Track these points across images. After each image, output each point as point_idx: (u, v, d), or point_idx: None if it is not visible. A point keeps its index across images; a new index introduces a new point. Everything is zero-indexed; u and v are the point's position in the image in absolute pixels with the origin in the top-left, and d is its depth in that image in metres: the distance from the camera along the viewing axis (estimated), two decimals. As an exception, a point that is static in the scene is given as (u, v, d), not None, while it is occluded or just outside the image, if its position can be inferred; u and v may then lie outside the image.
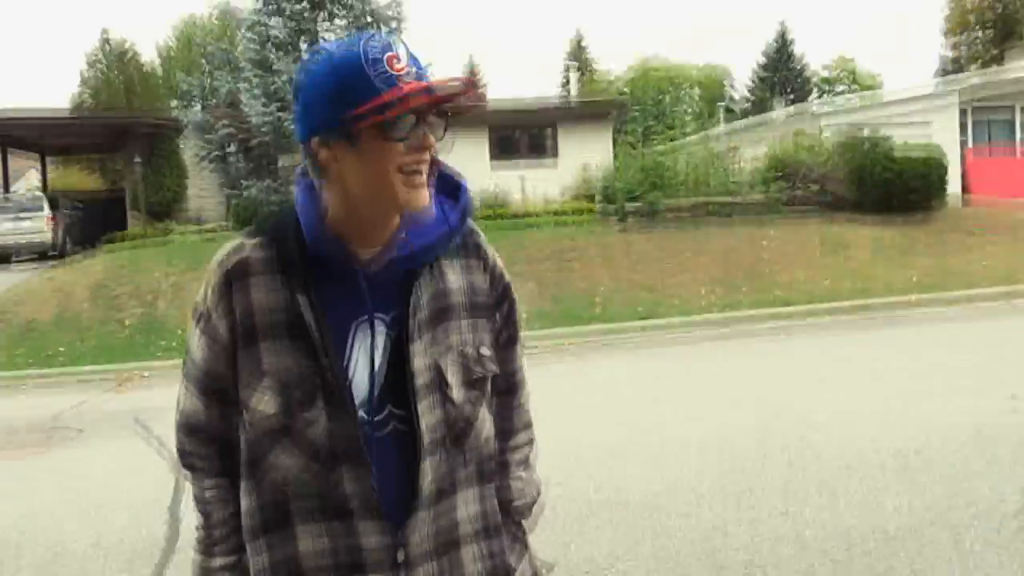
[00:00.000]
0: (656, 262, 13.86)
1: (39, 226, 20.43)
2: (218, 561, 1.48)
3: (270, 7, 16.04)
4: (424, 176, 1.34)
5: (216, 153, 16.12)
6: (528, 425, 1.64)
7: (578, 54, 60.37)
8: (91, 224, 22.31)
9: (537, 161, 22.48)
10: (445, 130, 1.36)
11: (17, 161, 29.07)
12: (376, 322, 1.38)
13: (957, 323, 10.09)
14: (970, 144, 23.49)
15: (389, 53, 1.29)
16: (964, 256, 14.00)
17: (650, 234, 15.03)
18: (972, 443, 5.13)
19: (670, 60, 59.04)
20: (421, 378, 1.37)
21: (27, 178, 34.13)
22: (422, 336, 1.39)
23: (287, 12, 15.90)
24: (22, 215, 20.47)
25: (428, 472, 1.37)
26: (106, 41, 32.87)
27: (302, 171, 1.42)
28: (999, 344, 8.38)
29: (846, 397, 6.52)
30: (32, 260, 20.58)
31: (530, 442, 1.64)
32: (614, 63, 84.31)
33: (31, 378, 10.05)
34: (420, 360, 1.38)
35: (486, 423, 1.49)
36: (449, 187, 1.47)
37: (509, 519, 1.55)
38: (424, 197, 1.34)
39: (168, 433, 6.84)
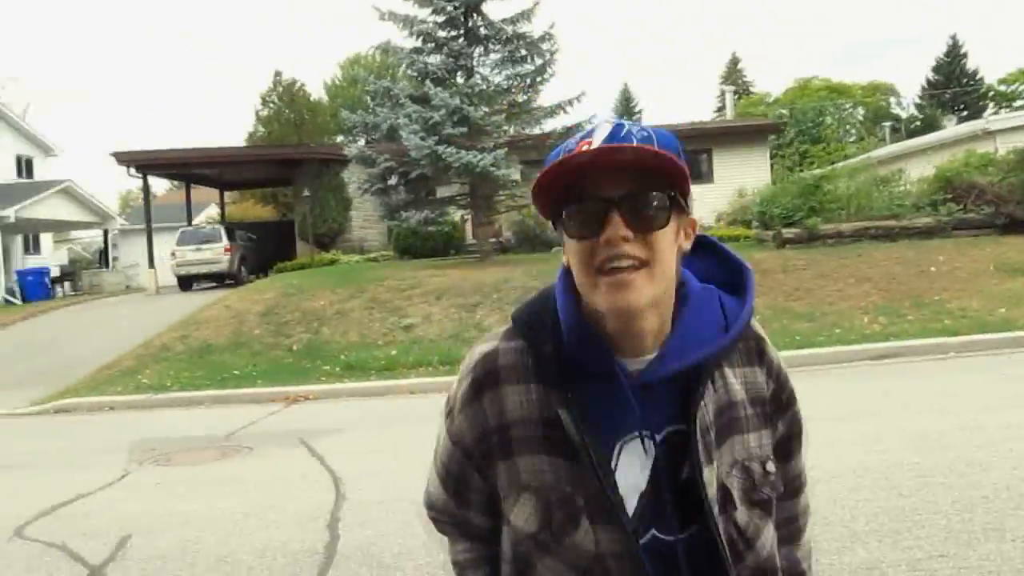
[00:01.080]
0: (815, 289, 13.43)
1: (218, 254, 21.99)
2: None
3: (428, 45, 16.68)
4: (628, 278, 1.17)
5: (378, 185, 16.83)
6: (801, 531, 1.50)
7: (734, 76, 59.42)
8: (263, 252, 23.81)
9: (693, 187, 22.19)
10: (658, 209, 1.19)
11: (199, 194, 31.30)
12: (646, 440, 1.24)
13: None
14: None
15: (584, 137, 1.21)
16: None
17: (808, 259, 14.58)
18: None
19: (831, 80, 57.09)
20: (715, 503, 1.25)
21: (207, 210, 36.70)
22: (709, 460, 1.25)
23: (444, 49, 16.50)
24: (203, 245, 22.11)
25: None
26: (279, 82, 34.97)
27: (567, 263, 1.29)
28: None
29: (1017, 425, 6.11)
30: (211, 286, 22.17)
31: (809, 545, 1.52)
32: (772, 84, 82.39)
33: (208, 397, 10.78)
34: (713, 483, 1.25)
35: (767, 543, 1.34)
36: (731, 278, 1.34)
37: None
38: (625, 299, 1.18)
39: (329, 450, 7.25)
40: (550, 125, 17.40)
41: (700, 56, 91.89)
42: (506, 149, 15.71)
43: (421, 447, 6.72)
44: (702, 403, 1.24)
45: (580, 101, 17.25)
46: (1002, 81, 54.80)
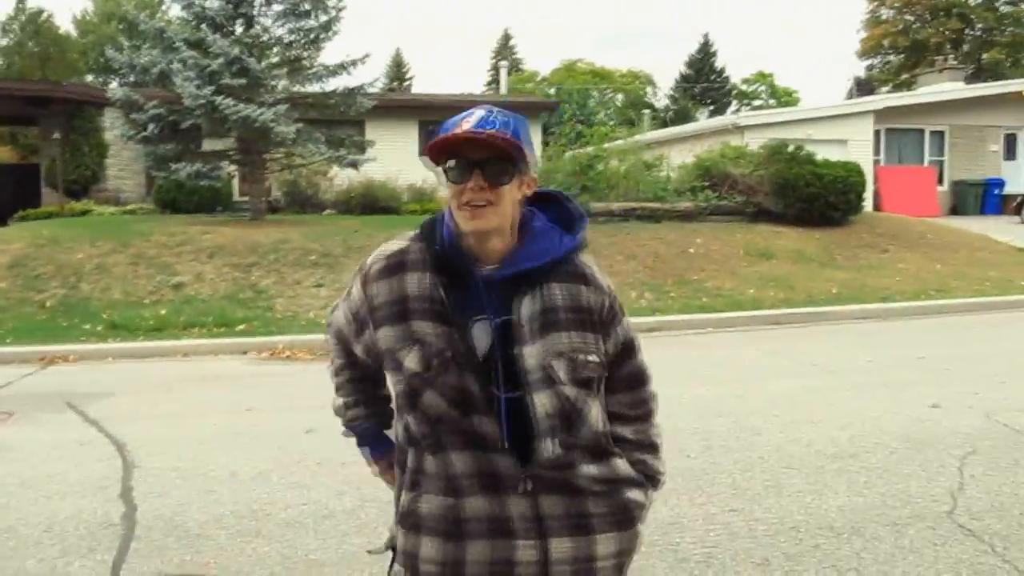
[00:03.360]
0: (587, 263, 14.08)
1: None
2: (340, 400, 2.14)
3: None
4: (481, 210, 1.76)
5: (144, 133, 15.62)
6: (649, 414, 1.98)
7: (506, 52, 60.57)
8: (2, 198, 21.49)
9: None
10: (503, 176, 1.78)
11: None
12: (489, 322, 1.79)
13: (873, 332, 10.58)
14: (882, 162, 24.55)
15: (464, 118, 1.79)
16: (879, 270, 14.66)
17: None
18: (901, 444, 5.45)
19: (595, 64, 59.75)
20: (533, 375, 1.78)
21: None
22: (533, 342, 1.79)
23: (223, -8, 15.55)
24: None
25: (543, 452, 1.80)
26: (21, 9, 31.52)
27: None
28: (914, 347, 8.84)
29: (777, 394, 6.80)
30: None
31: (652, 427, 1.97)
32: (539, 63, 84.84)
33: (-54, 357, 9.65)
34: (532, 360, 1.78)
35: (595, 414, 1.86)
36: (569, 221, 1.90)
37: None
38: (477, 224, 1.77)
39: (104, 416, 6.74)
40: (332, 84, 16.93)
41: (471, 28, 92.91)
42: (287, 106, 15.13)
43: (206, 411, 6.49)
44: (523, 299, 1.79)
45: (364, 63, 16.92)
46: (745, 81, 59.84)
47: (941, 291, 13.30)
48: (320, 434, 6.07)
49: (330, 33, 16.57)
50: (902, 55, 48.45)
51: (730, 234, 15.80)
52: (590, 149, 18.01)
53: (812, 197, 16.32)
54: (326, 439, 5.91)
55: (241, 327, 11.06)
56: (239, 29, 16.12)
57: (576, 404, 1.79)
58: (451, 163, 1.77)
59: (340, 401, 2.13)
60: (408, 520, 1.86)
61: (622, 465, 1.88)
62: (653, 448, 1.96)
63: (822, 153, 17.82)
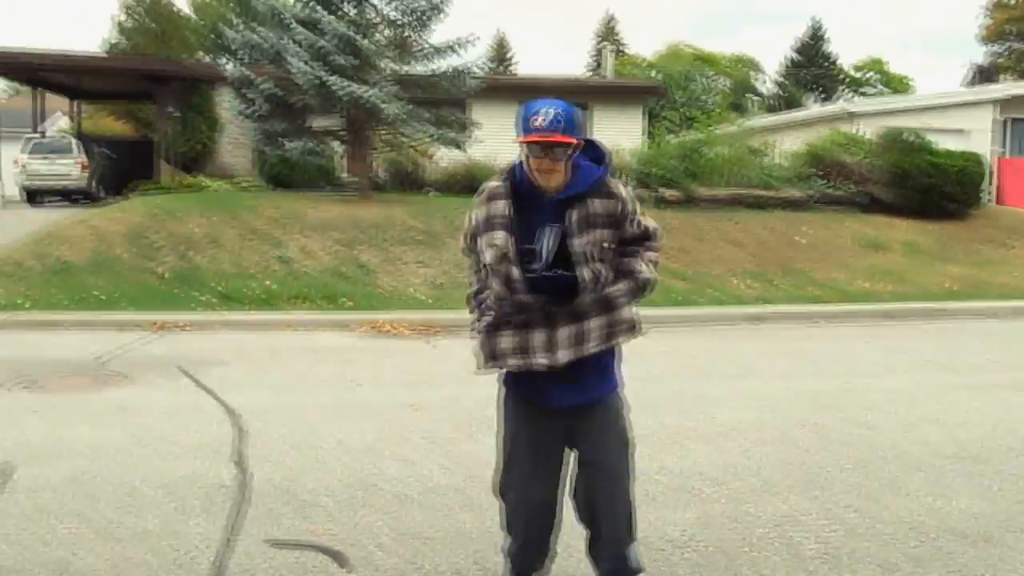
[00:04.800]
0: (691, 250, 13.83)
1: (71, 169, 20.49)
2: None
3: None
4: (550, 172, 2.85)
5: (254, 110, 16.00)
6: (656, 246, 3.09)
7: (608, 35, 59.90)
8: (121, 170, 22.33)
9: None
10: (567, 152, 2.85)
11: (46, 103, 28.98)
12: (552, 228, 2.89)
13: (994, 331, 10.06)
14: (1006, 153, 23.33)
15: (539, 114, 2.81)
16: (999, 266, 13.95)
17: (686, 221, 14.99)
18: (1032, 452, 5.14)
19: (701, 49, 58.49)
20: (578, 257, 2.85)
21: (54, 120, 34.09)
22: (578, 237, 2.86)
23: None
24: (54, 156, 20.54)
25: (584, 300, 2.89)
26: (142, -11, 32.67)
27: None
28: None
29: (893, 390, 6.51)
30: (60, 202, 20.68)
31: (655, 255, 3.07)
32: (641, 47, 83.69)
33: (69, 320, 10.09)
34: (578, 248, 2.85)
35: (610, 278, 2.95)
36: (599, 157, 2.98)
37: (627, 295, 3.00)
38: (549, 186, 2.89)
39: (218, 383, 6.93)
40: (438, 64, 16.99)
41: (574, 11, 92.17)
42: (396, 85, 15.26)
43: (313, 383, 6.56)
44: (572, 211, 2.86)
45: (473, 44, 16.93)
46: (856, 67, 57.71)
47: (1069, 290, 12.58)
48: (424, 411, 6.10)
49: (439, 12, 16.60)
50: (1028, 42, 45.95)
51: (840, 224, 15.29)
52: (697, 134, 17.65)
53: (928, 188, 15.66)
54: (430, 416, 5.95)
55: (345, 301, 11.25)
56: (350, 9, 16.31)
57: (601, 274, 2.88)
58: (531, 146, 2.81)
59: (473, 290, 3.13)
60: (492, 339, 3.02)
61: (625, 312, 2.99)
62: (652, 263, 3.05)
63: (939, 143, 17.04)
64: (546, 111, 2.79)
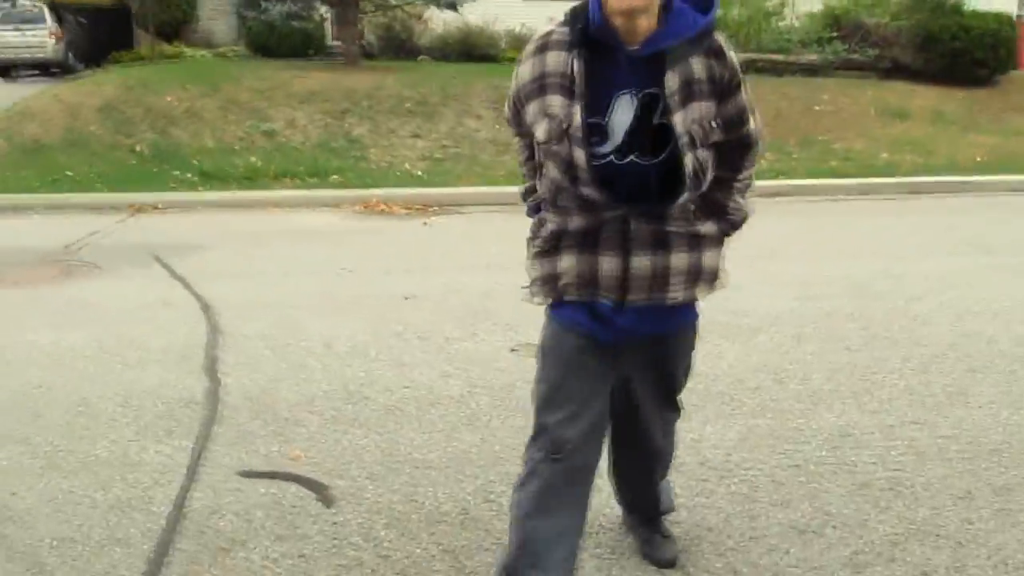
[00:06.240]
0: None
1: (43, 39, 19.32)
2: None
3: None
4: (638, 12, 1.89)
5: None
6: (752, 167, 2.18)
7: None
8: (96, 40, 21.08)
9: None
10: None
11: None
12: (633, 95, 1.97)
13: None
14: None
15: None
16: (1030, 135, 13.15)
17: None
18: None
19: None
20: (682, 139, 1.94)
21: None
22: (678, 110, 1.94)
23: None
24: (24, 26, 19.33)
25: (681, 204, 2.01)
26: None
27: None
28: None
29: (936, 275, 5.90)
30: (32, 75, 19.57)
31: (751, 178, 2.18)
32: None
33: (40, 203, 9.39)
34: (680, 127, 1.94)
35: (711, 175, 2.04)
36: (703, 5, 1.98)
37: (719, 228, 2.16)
38: (631, 33, 1.92)
39: (191, 272, 6.30)
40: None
41: None
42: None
43: (298, 271, 5.85)
44: (669, 73, 1.93)
45: None
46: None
47: (1104, 162, 11.83)
48: (420, 302, 5.51)
49: None
50: None
51: (860, 91, 14.36)
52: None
53: (958, 52, 14.65)
54: (426, 308, 5.37)
55: (334, 178, 10.53)
56: None
57: (704, 165, 1.98)
58: None
59: (524, 187, 2.33)
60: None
61: (714, 258, 2.17)
62: (747, 190, 2.20)
63: (967, 4, 15.85)
64: None
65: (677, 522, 2.84)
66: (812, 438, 3.53)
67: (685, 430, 3.48)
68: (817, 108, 13.54)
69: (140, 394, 3.97)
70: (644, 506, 2.70)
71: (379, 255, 7.12)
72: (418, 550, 2.74)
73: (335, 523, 2.89)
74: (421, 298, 5.60)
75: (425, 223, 8.55)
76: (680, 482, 3.05)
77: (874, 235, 7.87)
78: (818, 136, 12.63)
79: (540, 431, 2.20)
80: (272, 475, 3.22)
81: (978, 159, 11.83)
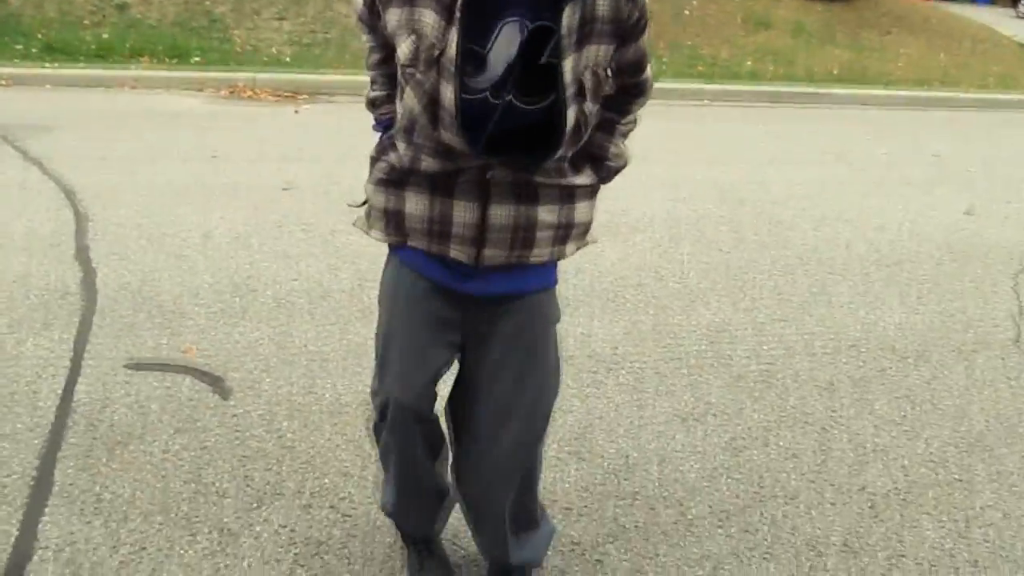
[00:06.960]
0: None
1: None
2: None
3: None
4: None
5: None
6: (639, 110, 1.88)
7: None
8: None
9: None
10: None
11: None
12: (522, 26, 1.59)
13: (879, 119, 9.96)
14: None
15: None
16: (881, 53, 13.83)
17: None
18: (945, 255, 5.00)
19: None
20: (569, 89, 1.61)
21: None
22: (571, 54, 1.60)
23: None
24: None
25: (554, 158, 1.67)
26: None
27: None
28: (926, 141, 8.28)
29: (798, 183, 6.24)
30: None
31: (635, 121, 1.88)
32: None
33: None
34: (569, 75, 1.61)
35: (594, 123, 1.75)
36: None
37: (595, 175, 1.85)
38: None
39: (50, 155, 5.90)
40: None
41: None
42: None
43: (165, 156, 5.59)
44: (569, 6, 1.56)
45: None
46: None
47: (944, 82, 12.61)
48: (299, 193, 5.38)
49: None
50: None
51: (728, -1, 14.62)
52: None
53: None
54: (306, 199, 5.28)
55: (196, 59, 9.95)
56: None
57: (588, 120, 1.68)
58: None
59: (372, 95, 1.93)
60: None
61: (586, 210, 1.85)
62: (629, 133, 1.91)
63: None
64: None
65: (570, 411, 2.99)
66: (691, 333, 3.75)
67: (574, 324, 3.64)
68: (687, 13, 13.73)
69: (8, 284, 3.75)
70: (487, 544, 2.12)
71: (251, 142, 6.84)
72: (321, 440, 2.78)
73: (235, 415, 2.88)
74: (301, 188, 5.47)
75: (296, 111, 8.26)
76: (571, 374, 3.19)
77: (738, 141, 8.18)
78: (686, 41, 12.85)
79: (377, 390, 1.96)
80: (163, 367, 3.15)
81: (834, 72, 12.36)
